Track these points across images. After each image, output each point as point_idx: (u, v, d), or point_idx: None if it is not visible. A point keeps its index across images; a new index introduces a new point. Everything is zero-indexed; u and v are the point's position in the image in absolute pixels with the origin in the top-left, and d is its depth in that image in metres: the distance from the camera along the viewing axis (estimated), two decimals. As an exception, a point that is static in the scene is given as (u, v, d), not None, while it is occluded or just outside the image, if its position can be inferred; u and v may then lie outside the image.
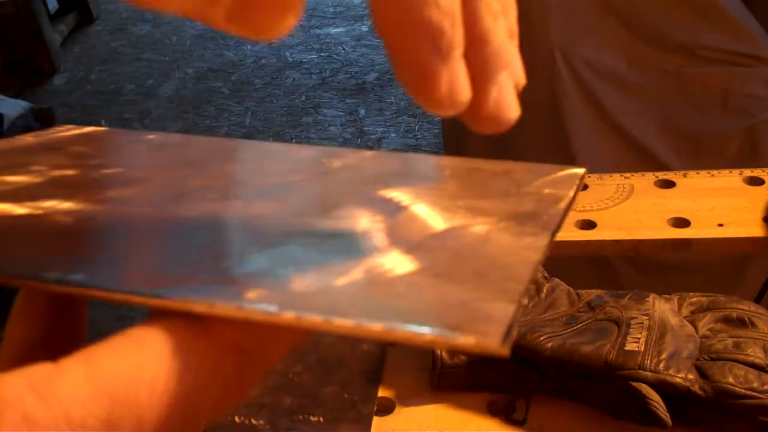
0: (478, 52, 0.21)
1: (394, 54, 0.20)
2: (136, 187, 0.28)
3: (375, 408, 0.61)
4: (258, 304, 0.18)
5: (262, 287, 0.19)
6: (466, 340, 0.16)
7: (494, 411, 0.60)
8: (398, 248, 0.21)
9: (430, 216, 0.23)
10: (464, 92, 0.21)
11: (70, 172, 0.30)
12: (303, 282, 0.19)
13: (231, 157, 0.33)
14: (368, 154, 0.30)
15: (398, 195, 0.25)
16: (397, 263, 0.20)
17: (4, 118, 2.08)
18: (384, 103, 2.48)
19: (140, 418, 0.16)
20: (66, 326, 0.22)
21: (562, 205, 0.24)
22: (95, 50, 2.95)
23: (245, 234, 0.24)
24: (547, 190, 0.25)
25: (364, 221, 0.23)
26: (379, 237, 0.22)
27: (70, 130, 0.37)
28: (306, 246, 0.22)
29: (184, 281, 0.19)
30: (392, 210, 0.24)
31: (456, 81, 0.20)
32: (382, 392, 0.62)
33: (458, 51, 0.20)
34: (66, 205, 0.26)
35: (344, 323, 0.17)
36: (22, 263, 0.21)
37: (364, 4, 3.07)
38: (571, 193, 0.25)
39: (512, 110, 0.22)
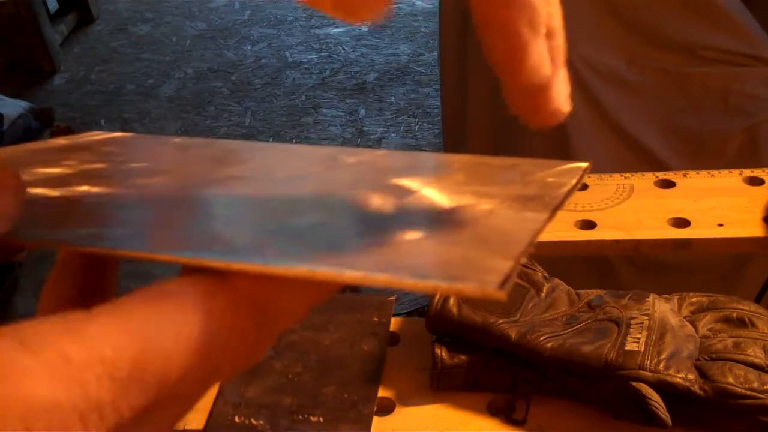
0: (549, 42, 0.24)
1: (493, 26, 0.22)
2: (163, 176, 0.30)
3: (375, 408, 0.61)
4: (272, 259, 0.19)
5: (278, 248, 0.20)
6: (466, 286, 0.17)
7: (494, 411, 0.60)
8: (406, 220, 0.22)
9: (437, 197, 0.25)
10: (548, 67, 0.23)
11: (99, 165, 0.32)
12: (316, 244, 0.21)
13: (253, 154, 0.35)
14: (381, 152, 0.32)
15: (409, 182, 0.26)
16: (405, 231, 0.21)
17: (4, 118, 2.08)
18: (384, 103, 2.48)
19: (166, 363, 0.18)
20: (97, 286, 0.25)
21: (564, 189, 0.25)
22: (95, 50, 2.95)
23: (264, 209, 0.25)
24: (550, 179, 0.26)
25: (376, 201, 0.24)
26: (388, 212, 0.23)
27: (99, 134, 0.39)
28: (320, 218, 0.23)
29: (205, 244, 0.21)
30: (402, 194, 0.25)
31: (543, 54, 0.23)
32: (382, 392, 0.62)
33: (544, 30, 0.23)
34: (96, 189, 0.28)
35: (354, 274, 0.18)
36: (58, 232, 0.23)
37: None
38: (574, 181, 0.26)
39: (567, 104, 0.25)
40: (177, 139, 0.37)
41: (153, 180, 0.30)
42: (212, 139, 0.36)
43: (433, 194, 0.25)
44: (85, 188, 0.28)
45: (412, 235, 0.21)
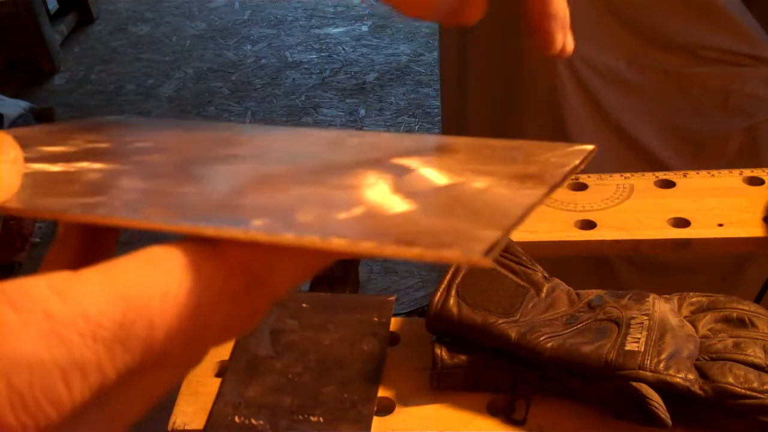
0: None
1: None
2: (165, 153, 0.30)
3: (375, 408, 0.61)
4: (261, 227, 0.19)
5: (268, 217, 0.21)
6: (451, 253, 0.18)
7: (494, 411, 0.60)
8: (400, 195, 0.23)
9: (435, 176, 0.25)
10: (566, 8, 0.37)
11: (103, 144, 0.33)
12: (306, 215, 0.21)
13: (256, 135, 0.35)
14: (386, 134, 0.32)
15: (409, 162, 0.26)
16: (397, 204, 0.22)
17: (4, 118, 2.08)
18: (384, 103, 2.48)
19: (151, 323, 0.18)
20: (96, 255, 0.25)
21: (566, 169, 0.25)
22: (95, 50, 2.95)
23: (259, 184, 0.25)
24: (554, 160, 0.26)
25: (372, 178, 0.24)
26: (383, 188, 0.23)
27: (111, 118, 0.40)
28: (314, 192, 0.24)
29: (198, 214, 0.22)
30: (401, 172, 0.25)
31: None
32: (382, 392, 0.62)
33: None
34: (97, 165, 0.28)
35: (340, 242, 0.19)
36: (55, 202, 0.23)
37: (364, 5, 3.07)
38: (577, 161, 0.26)
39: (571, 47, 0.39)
40: (186, 123, 0.37)
41: (153, 156, 0.30)
42: (222, 123, 0.36)
43: (432, 173, 0.25)
44: (85, 164, 0.28)
45: (403, 207, 0.21)
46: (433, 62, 2.65)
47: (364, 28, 2.92)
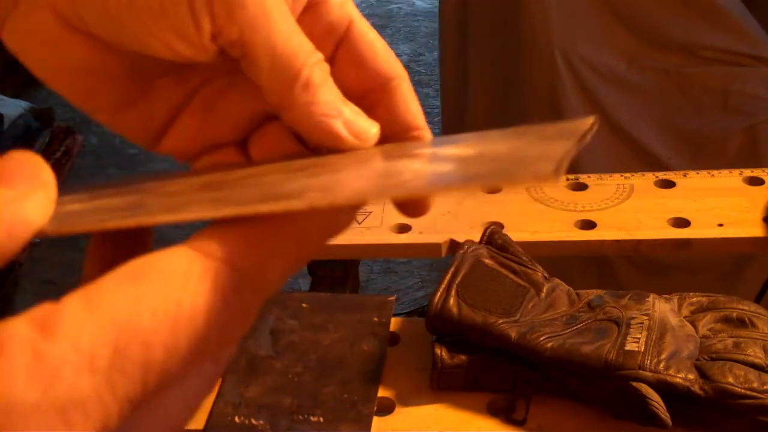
0: None
1: None
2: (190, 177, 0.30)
3: (375, 408, 0.61)
4: (318, 197, 0.18)
5: (319, 191, 0.20)
6: (522, 174, 0.18)
7: (494, 411, 0.60)
8: (438, 163, 0.22)
9: (461, 150, 0.25)
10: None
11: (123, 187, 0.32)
12: (360, 184, 0.20)
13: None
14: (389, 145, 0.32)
15: (428, 150, 0.26)
16: (443, 167, 0.21)
17: (4, 118, 2.08)
18: (384, 103, 2.48)
19: (147, 343, 0.17)
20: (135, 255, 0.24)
21: (583, 127, 0.25)
22: (95, 50, 2.94)
23: (283, 173, 0.25)
24: (567, 126, 0.26)
25: (405, 161, 0.24)
26: (420, 164, 0.23)
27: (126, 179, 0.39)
28: (356, 173, 0.23)
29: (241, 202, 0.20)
30: (428, 157, 0.25)
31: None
32: (382, 392, 0.62)
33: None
34: (124, 197, 0.27)
35: (430, 187, 0.19)
36: (92, 218, 0.22)
37: (364, 4, 3.07)
38: (590, 121, 0.26)
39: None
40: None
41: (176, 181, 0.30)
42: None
43: (455, 149, 0.25)
44: (114, 197, 0.27)
45: (450, 167, 0.21)
46: (433, 62, 2.65)
47: (364, 28, 2.92)
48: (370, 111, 0.26)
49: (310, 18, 0.26)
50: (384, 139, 0.26)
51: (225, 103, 0.28)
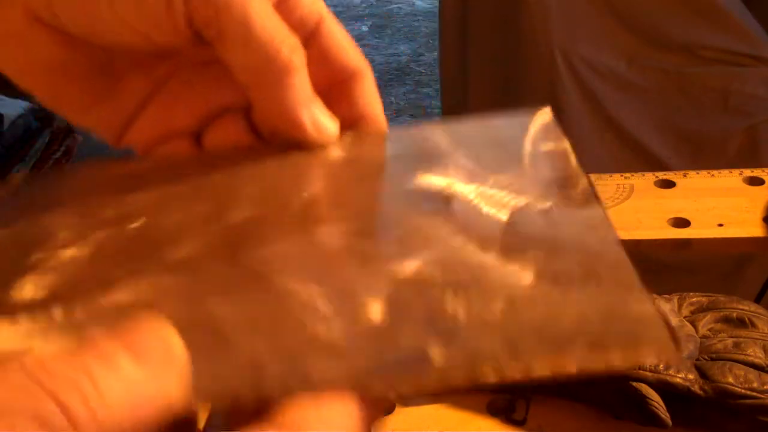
0: None
1: None
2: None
3: (375, 408, 0.61)
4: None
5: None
6: (644, 353, 0.17)
7: (494, 411, 0.60)
8: (481, 246, 0.20)
9: (485, 205, 0.23)
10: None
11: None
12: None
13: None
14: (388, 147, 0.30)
15: (438, 181, 0.25)
16: (511, 274, 0.19)
17: (4, 118, 2.08)
18: (384, 103, 2.47)
19: None
20: None
21: (573, 162, 0.24)
22: (95, 50, 2.95)
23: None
24: (543, 148, 0.25)
25: (432, 227, 0.22)
26: (458, 240, 0.21)
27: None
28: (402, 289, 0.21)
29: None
30: (443, 201, 0.23)
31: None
32: (382, 392, 0.62)
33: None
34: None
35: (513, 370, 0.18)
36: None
37: (364, 4, 3.07)
38: (566, 145, 0.25)
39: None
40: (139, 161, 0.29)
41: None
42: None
43: (480, 203, 0.23)
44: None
45: (523, 279, 0.19)
46: (433, 62, 2.65)
47: (364, 28, 2.92)
48: (332, 105, 0.27)
49: (281, 11, 0.25)
50: (344, 130, 0.27)
51: (188, 93, 0.28)
